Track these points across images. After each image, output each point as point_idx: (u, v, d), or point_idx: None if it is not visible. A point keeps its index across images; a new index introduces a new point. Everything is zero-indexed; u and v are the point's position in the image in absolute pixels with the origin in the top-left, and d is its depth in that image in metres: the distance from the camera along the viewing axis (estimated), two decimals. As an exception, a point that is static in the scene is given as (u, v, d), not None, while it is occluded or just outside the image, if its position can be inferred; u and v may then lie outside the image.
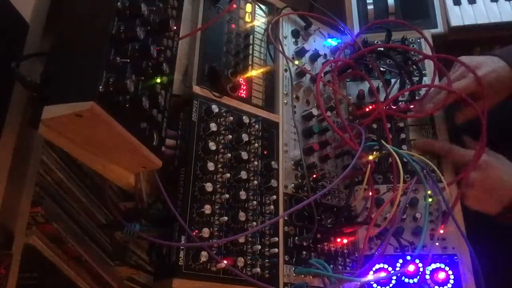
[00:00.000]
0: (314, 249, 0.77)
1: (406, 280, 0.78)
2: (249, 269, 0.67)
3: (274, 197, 0.74)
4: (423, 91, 0.93)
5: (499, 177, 0.81)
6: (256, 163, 0.75)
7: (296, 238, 0.75)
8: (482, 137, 0.81)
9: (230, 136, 0.73)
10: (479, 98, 0.85)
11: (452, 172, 0.87)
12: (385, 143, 0.80)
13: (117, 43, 0.51)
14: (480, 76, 0.85)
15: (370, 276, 0.77)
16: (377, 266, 0.79)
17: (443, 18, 1.12)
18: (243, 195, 0.70)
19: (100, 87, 0.48)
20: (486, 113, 0.82)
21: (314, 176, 0.82)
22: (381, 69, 0.96)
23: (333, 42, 0.98)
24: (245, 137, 0.74)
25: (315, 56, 0.93)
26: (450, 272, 0.78)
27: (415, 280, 0.77)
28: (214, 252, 0.64)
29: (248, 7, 0.88)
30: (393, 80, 0.94)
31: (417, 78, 0.94)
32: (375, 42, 1.01)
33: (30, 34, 0.57)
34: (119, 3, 0.52)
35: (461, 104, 0.88)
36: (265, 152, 0.77)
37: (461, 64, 0.88)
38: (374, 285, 0.79)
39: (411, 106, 0.91)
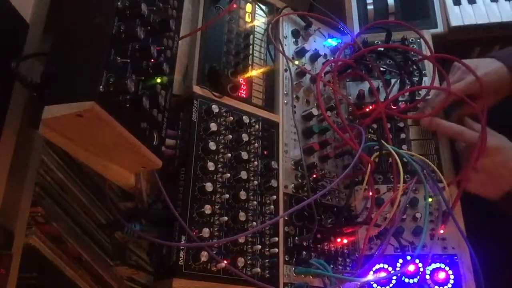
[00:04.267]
0: (314, 249, 0.77)
1: (406, 280, 0.78)
2: (249, 269, 0.67)
3: (274, 197, 0.74)
4: (423, 91, 0.93)
5: (505, 161, 0.80)
6: (256, 163, 0.75)
7: (296, 238, 0.75)
8: (482, 137, 0.80)
9: (230, 136, 0.73)
10: (478, 98, 0.85)
11: (452, 172, 0.87)
12: (385, 143, 0.80)
13: (117, 43, 0.51)
14: (479, 76, 0.85)
15: (370, 276, 0.77)
16: (377, 266, 0.79)
17: (443, 18, 1.12)
18: (243, 195, 0.70)
19: (101, 87, 0.48)
20: (485, 112, 0.83)
21: (314, 176, 0.82)
22: (381, 69, 0.96)
23: (333, 42, 0.98)
24: (245, 137, 0.74)
25: (315, 56, 0.93)
26: (450, 272, 0.78)
27: (415, 280, 0.78)
28: (214, 252, 0.64)
29: (248, 7, 0.88)
30: (393, 80, 0.94)
31: (417, 78, 0.94)
32: (375, 42, 1.01)
33: (30, 34, 0.56)
34: (119, 3, 0.52)
35: (461, 104, 0.88)
36: (265, 152, 0.77)
37: (461, 64, 0.88)
38: (374, 285, 0.79)
39: (412, 107, 0.91)
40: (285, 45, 0.90)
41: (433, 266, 0.79)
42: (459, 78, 0.88)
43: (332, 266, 0.76)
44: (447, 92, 0.85)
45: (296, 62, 0.89)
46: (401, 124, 0.92)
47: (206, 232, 0.64)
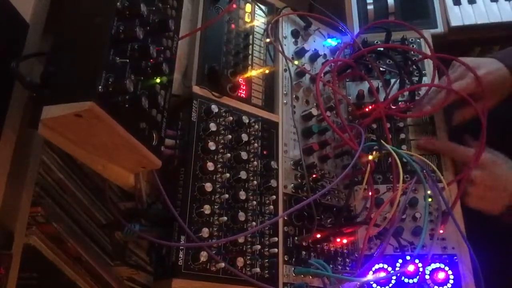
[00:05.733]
0: (314, 249, 0.77)
1: (406, 280, 0.78)
2: (248, 269, 0.67)
3: (274, 197, 0.74)
4: (422, 91, 0.93)
5: (502, 174, 0.81)
6: (255, 163, 0.75)
7: (296, 238, 0.75)
8: (482, 136, 0.81)
9: (230, 136, 0.73)
10: (479, 98, 0.85)
11: (452, 172, 0.87)
12: (384, 143, 0.80)
13: (116, 43, 0.51)
14: (480, 76, 0.85)
15: (370, 276, 0.77)
16: (376, 266, 0.79)
17: (443, 18, 1.12)
18: (242, 195, 0.70)
19: (100, 87, 0.48)
20: (486, 112, 0.83)
21: (314, 176, 0.82)
22: (381, 69, 0.96)
23: (332, 42, 0.98)
24: (244, 137, 0.74)
25: (314, 56, 0.93)
26: (450, 272, 0.78)
27: (415, 280, 0.77)
28: (214, 252, 0.64)
29: (248, 7, 0.88)
30: (392, 80, 0.94)
31: (416, 78, 0.94)
32: (375, 42, 1.01)
33: (30, 34, 0.57)
34: (118, 3, 0.52)
35: (461, 103, 0.88)
36: (264, 152, 0.77)
37: (461, 63, 0.88)
38: (374, 285, 0.79)
39: (412, 106, 0.91)
40: (285, 45, 0.90)
41: (433, 266, 0.79)
42: (459, 76, 0.88)
43: (331, 266, 0.76)
44: (448, 90, 0.85)
45: (296, 62, 0.89)
46: (401, 124, 0.92)
47: (205, 232, 0.64)
